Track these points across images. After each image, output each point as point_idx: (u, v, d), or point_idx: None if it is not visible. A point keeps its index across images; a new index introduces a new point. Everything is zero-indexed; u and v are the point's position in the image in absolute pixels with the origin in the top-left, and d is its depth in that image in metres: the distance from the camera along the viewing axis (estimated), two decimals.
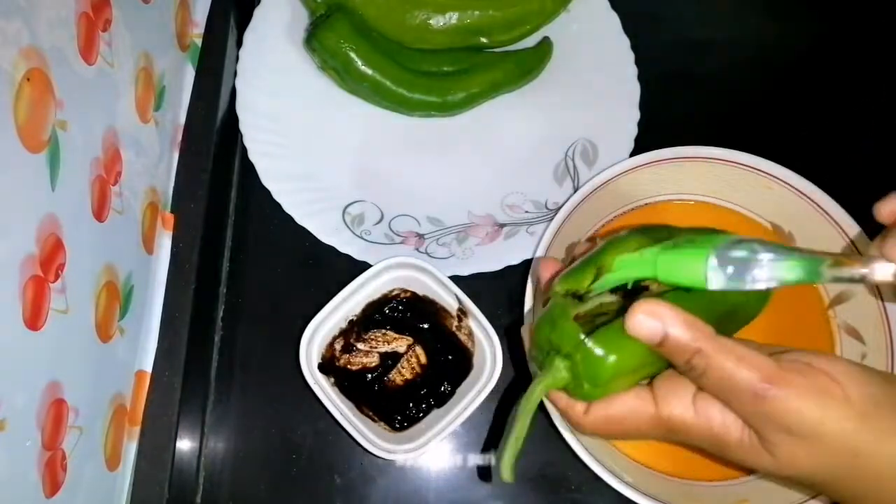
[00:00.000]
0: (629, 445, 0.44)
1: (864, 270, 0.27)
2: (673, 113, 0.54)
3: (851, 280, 0.27)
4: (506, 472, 0.31)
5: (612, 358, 0.29)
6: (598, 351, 0.29)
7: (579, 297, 0.32)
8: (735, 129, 0.50)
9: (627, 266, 0.31)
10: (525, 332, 0.36)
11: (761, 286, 0.28)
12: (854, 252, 0.43)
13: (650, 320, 0.28)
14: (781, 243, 0.32)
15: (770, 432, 0.28)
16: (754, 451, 0.29)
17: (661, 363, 0.31)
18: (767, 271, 0.28)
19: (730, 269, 0.28)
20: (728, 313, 0.33)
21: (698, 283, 0.29)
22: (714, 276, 0.28)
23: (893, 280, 0.27)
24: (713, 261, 0.28)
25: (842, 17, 0.60)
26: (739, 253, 0.28)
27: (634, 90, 0.54)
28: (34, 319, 0.30)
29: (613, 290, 0.33)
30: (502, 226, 0.51)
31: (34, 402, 0.30)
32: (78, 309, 0.34)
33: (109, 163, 0.38)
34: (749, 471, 0.43)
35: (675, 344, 0.28)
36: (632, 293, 0.32)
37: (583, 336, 0.30)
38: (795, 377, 0.27)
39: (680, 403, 0.30)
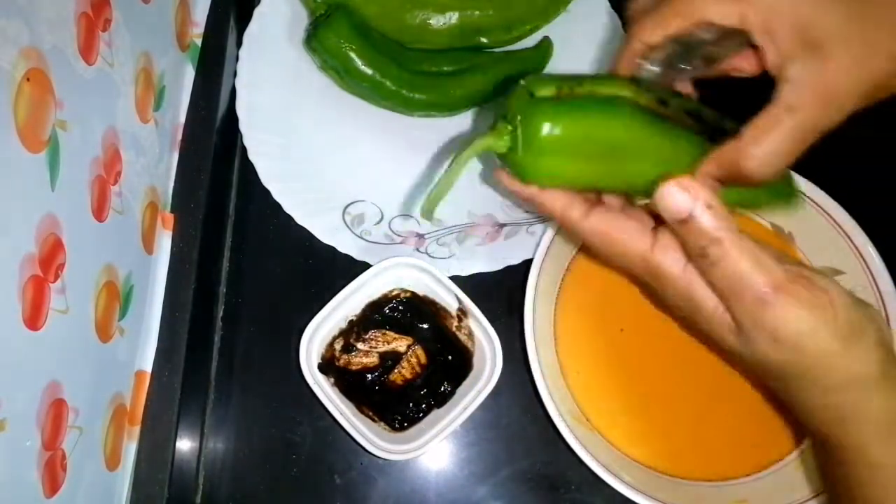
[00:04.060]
0: (628, 443, 0.44)
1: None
2: None
3: None
4: (426, 209, 0.32)
5: (547, 128, 0.29)
6: (539, 117, 0.29)
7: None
8: None
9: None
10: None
11: None
12: None
13: (682, 194, 0.28)
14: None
15: (754, 330, 0.28)
16: (724, 328, 0.30)
17: (609, 181, 0.31)
18: None
19: None
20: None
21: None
22: None
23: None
24: None
25: None
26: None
27: None
28: (34, 319, 0.30)
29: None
30: (502, 226, 0.51)
31: (34, 402, 0.30)
32: (78, 309, 0.34)
33: (109, 163, 0.38)
34: (748, 472, 0.43)
35: (698, 227, 0.28)
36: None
37: (531, 102, 0.30)
38: (800, 290, 0.27)
39: (674, 259, 0.30)
